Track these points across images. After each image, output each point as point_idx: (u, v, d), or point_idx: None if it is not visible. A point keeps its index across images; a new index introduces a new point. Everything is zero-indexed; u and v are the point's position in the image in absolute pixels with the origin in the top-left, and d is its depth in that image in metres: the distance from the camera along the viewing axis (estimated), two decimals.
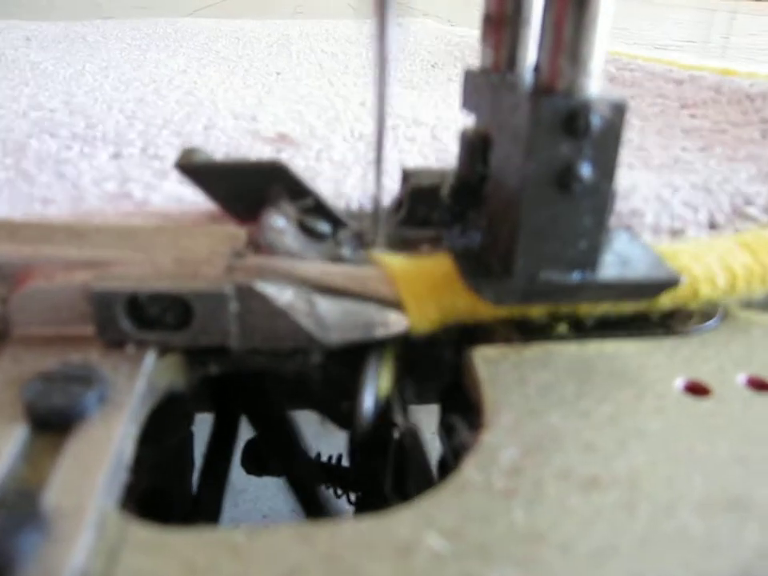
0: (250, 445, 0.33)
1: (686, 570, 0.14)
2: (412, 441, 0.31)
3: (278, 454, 0.29)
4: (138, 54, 0.66)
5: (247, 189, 0.22)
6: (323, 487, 0.32)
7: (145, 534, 0.15)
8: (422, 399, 0.24)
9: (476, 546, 0.15)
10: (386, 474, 0.27)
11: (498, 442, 0.17)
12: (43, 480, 0.16)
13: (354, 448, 0.28)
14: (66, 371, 0.18)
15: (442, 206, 0.22)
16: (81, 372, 0.18)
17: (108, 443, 0.16)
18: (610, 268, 0.20)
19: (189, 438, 0.29)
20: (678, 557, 0.14)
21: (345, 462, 0.33)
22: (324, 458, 0.33)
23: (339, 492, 0.32)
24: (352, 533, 0.15)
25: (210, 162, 0.22)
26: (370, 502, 0.29)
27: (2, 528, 0.14)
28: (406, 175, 0.23)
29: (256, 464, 0.33)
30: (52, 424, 0.17)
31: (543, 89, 0.18)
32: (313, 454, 0.33)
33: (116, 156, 0.31)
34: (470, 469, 0.16)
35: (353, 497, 0.32)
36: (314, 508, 0.31)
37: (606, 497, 0.16)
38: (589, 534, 0.15)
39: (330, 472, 0.32)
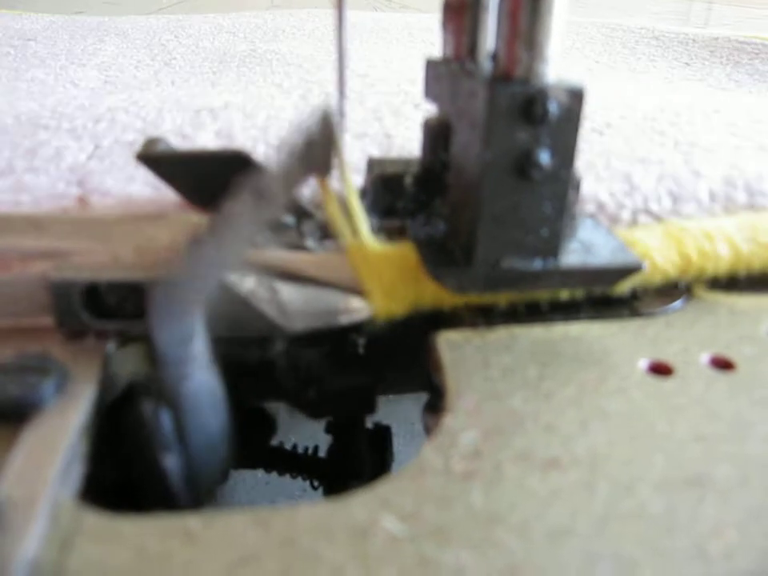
0: None
1: (644, 548, 0.14)
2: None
3: (253, 446, 0.29)
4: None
5: (209, 178, 0.22)
6: (300, 479, 0.32)
7: (98, 522, 0.15)
8: (410, 389, 0.24)
9: (433, 529, 0.15)
10: (365, 464, 0.27)
11: (459, 426, 0.17)
12: None
13: (334, 437, 0.29)
14: (22, 362, 0.18)
15: (406, 195, 0.22)
16: (37, 363, 0.18)
17: (63, 433, 0.16)
18: (572, 255, 0.20)
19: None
20: (636, 535, 0.14)
21: (321, 454, 0.33)
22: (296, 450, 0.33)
23: (316, 484, 0.32)
24: (308, 517, 0.15)
25: (171, 152, 0.22)
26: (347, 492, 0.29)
27: None
28: (371, 164, 0.23)
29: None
30: (7, 414, 0.17)
31: (500, 76, 0.18)
32: (288, 445, 0.33)
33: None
34: (429, 452, 0.16)
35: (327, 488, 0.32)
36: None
37: (566, 478, 0.16)
38: (547, 515, 0.15)
39: (307, 463, 0.32)
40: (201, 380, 0.18)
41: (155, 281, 0.19)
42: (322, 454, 0.33)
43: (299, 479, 0.33)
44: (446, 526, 0.15)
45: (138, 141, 0.29)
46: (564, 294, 0.21)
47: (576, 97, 0.18)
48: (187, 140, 0.29)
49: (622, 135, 0.31)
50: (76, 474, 0.16)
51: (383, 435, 0.31)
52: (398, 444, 0.33)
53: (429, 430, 0.18)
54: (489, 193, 0.19)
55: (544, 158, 0.19)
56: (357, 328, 0.21)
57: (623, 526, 0.15)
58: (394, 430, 0.32)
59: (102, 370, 0.18)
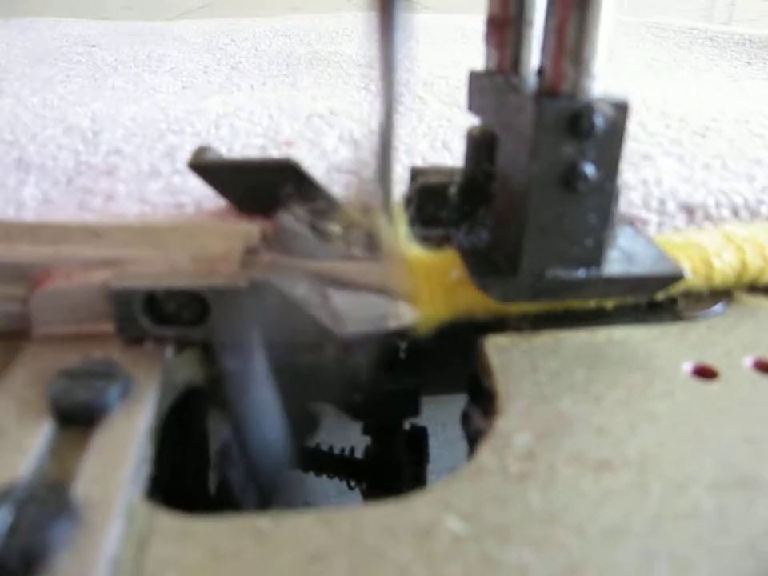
0: None
1: (698, 547, 0.15)
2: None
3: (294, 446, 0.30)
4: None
5: (258, 187, 0.22)
6: (337, 479, 0.33)
7: (171, 523, 0.15)
8: (448, 390, 0.24)
9: (493, 528, 0.15)
10: (405, 464, 0.28)
11: (512, 428, 0.18)
12: (71, 473, 0.16)
13: (373, 437, 0.29)
14: (89, 367, 0.18)
15: (450, 205, 0.23)
16: (103, 368, 0.18)
17: (132, 436, 0.17)
18: (614, 264, 0.21)
19: (204, 434, 0.29)
20: (689, 534, 0.15)
21: (357, 455, 0.33)
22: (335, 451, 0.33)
23: (353, 484, 0.32)
24: (373, 517, 0.15)
25: (222, 161, 0.22)
26: (386, 492, 0.30)
27: (34, 520, 0.14)
28: (415, 173, 0.24)
29: None
30: (76, 419, 0.17)
31: (547, 91, 0.19)
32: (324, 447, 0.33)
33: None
34: (485, 454, 0.17)
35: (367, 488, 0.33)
36: None
37: (618, 478, 0.16)
38: (602, 515, 0.15)
39: (343, 464, 0.32)
40: (260, 391, 0.19)
41: (216, 288, 0.19)
42: (357, 455, 0.34)
43: (327, 479, 0.34)
44: (505, 525, 0.15)
45: (267, 146, 0.31)
46: (607, 302, 0.22)
47: (621, 110, 0.19)
48: (315, 146, 0.31)
49: (724, 138, 0.31)
50: (143, 475, 0.17)
51: (420, 436, 0.31)
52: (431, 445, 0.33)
53: (480, 433, 0.18)
54: (535, 204, 0.19)
55: (589, 170, 0.19)
56: (400, 333, 0.22)
57: (677, 525, 0.15)
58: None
59: (162, 375, 0.19)
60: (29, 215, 0.25)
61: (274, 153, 0.30)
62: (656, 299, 0.23)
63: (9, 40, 0.68)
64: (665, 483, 0.16)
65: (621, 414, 0.18)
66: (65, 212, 0.25)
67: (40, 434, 0.17)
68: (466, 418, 0.21)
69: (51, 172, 0.28)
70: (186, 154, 0.29)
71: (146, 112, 0.37)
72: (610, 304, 0.22)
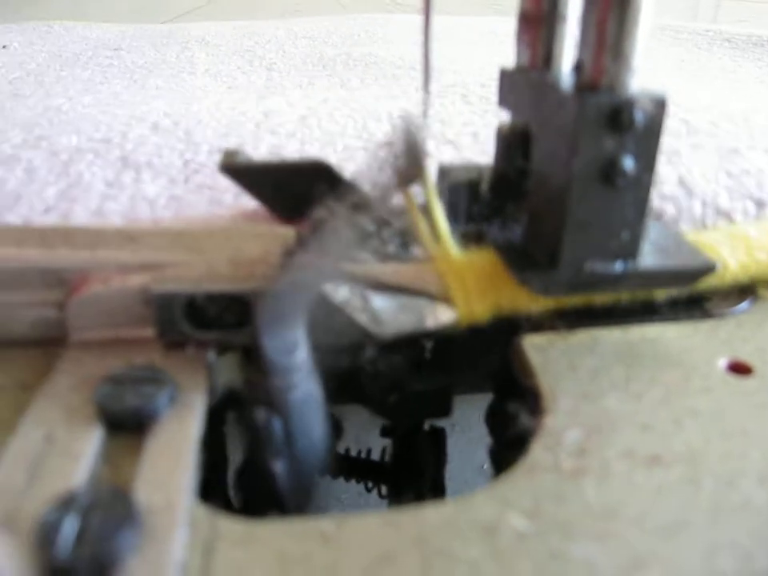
0: None
1: (756, 539, 0.15)
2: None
3: None
4: None
5: (290, 188, 0.22)
6: (353, 482, 0.33)
7: (235, 527, 0.15)
8: (475, 389, 0.24)
9: (555, 524, 0.15)
10: (427, 465, 0.28)
11: (561, 425, 0.18)
12: (127, 480, 0.16)
13: (395, 440, 0.29)
14: (134, 373, 0.18)
15: (481, 201, 0.23)
16: (149, 373, 0.18)
17: (186, 442, 0.17)
18: (649, 257, 0.21)
19: (222, 436, 0.29)
20: (746, 527, 0.15)
21: (374, 457, 0.33)
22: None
23: (370, 486, 0.32)
24: (436, 516, 0.15)
25: (254, 163, 0.22)
26: (405, 494, 0.30)
27: (101, 528, 0.14)
28: (443, 171, 0.24)
29: None
30: (126, 425, 0.17)
31: (586, 86, 0.19)
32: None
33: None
34: (538, 451, 0.17)
35: (384, 491, 0.33)
36: None
37: (670, 473, 0.17)
38: (659, 509, 0.16)
39: (364, 467, 0.32)
40: (306, 388, 0.19)
41: (256, 292, 0.19)
42: (374, 456, 0.34)
43: (341, 481, 0.34)
44: (567, 521, 0.15)
45: (362, 147, 0.31)
46: (641, 296, 0.22)
47: (660, 105, 0.19)
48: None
49: None
50: (196, 480, 0.17)
51: (438, 437, 0.31)
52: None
53: (528, 431, 0.18)
54: (574, 198, 0.19)
55: (628, 165, 0.19)
56: (429, 333, 0.22)
57: (732, 518, 0.15)
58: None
59: (207, 379, 0.19)
60: (165, 213, 0.24)
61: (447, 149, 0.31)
62: (685, 296, 0.23)
63: (30, 44, 0.68)
64: (715, 477, 0.16)
65: (663, 411, 0.19)
66: (196, 209, 0.25)
67: (90, 441, 0.17)
68: (503, 417, 0.21)
69: (163, 170, 0.28)
70: (292, 153, 0.29)
71: (216, 111, 0.37)
72: (643, 297, 0.22)
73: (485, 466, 0.42)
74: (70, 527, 0.14)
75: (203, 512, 0.15)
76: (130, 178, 0.27)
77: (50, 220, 0.24)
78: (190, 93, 0.46)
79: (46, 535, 0.14)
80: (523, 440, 0.18)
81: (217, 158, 0.29)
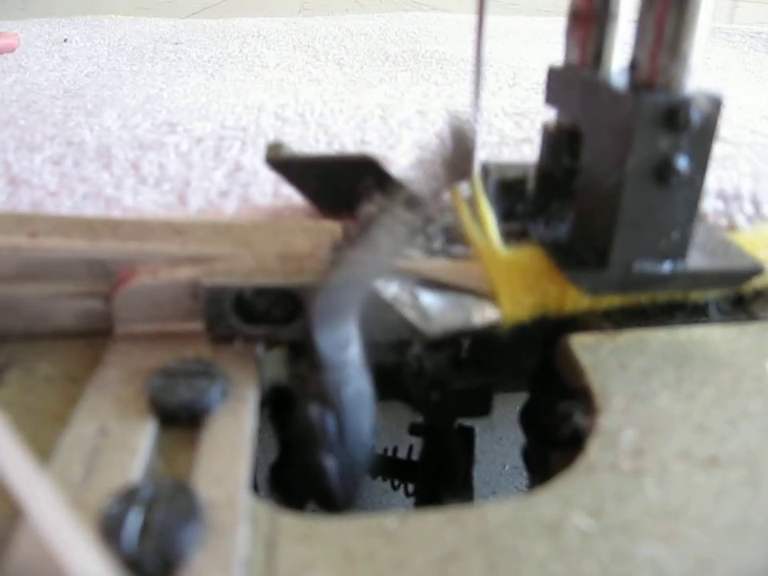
0: None
1: None
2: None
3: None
4: None
5: (336, 182, 0.22)
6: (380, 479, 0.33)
7: (297, 523, 0.15)
8: (513, 388, 0.24)
9: (618, 524, 0.15)
10: (458, 464, 0.28)
11: (615, 425, 0.18)
12: (185, 473, 0.16)
13: (426, 439, 0.29)
14: (186, 366, 0.18)
15: (526, 199, 0.23)
16: (200, 367, 0.18)
17: (242, 436, 0.17)
18: (696, 258, 0.21)
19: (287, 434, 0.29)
20: None
21: (400, 454, 0.33)
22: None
23: (396, 483, 0.32)
24: (499, 514, 0.15)
25: (300, 156, 0.22)
26: (432, 492, 0.30)
27: (165, 521, 0.14)
28: (487, 169, 0.24)
29: None
30: (179, 418, 0.17)
31: (643, 84, 0.19)
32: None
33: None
34: (595, 451, 0.17)
35: (410, 488, 0.33)
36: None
37: (729, 474, 0.16)
38: (721, 510, 0.16)
39: (387, 464, 0.32)
40: (357, 384, 0.18)
41: (305, 287, 0.19)
42: (401, 455, 0.34)
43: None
44: (629, 520, 0.15)
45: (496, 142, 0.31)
46: (688, 296, 0.22)
47: (716, 105, 0.19)
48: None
49: None
50: (251, 475, 0.17)
51: (468, 436, 0.31)
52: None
53: (583, 430, 0.18)
54: (627, 198, 0.19)
55: (682, 164, 0.19)
56: (475, 331, 0.22)
57: None
58: None
59: (258, 374, 0.19)
60: None
61: None
62: (730, 298, 0.23)
63: (88, 38, 0.68)
64: None
65: (716, 412, 0.18)
66: None
67: (145, 434, 0.17)
68: (551, 417, 0.21)
69: None
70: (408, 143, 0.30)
71: (326, 103, 0.38)
72: (693, 297, 0.22)
73: (506, 467, 0.41)
74: (134, 521, 0.14)
75: (263, 507, 0.15)
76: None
77: (230, 205, 0.24)
78: (277, 85, 0.47)
79: (110, 529, 0.14)
80: (573, 440, 0.18)
81: (362, 149, 0.30)
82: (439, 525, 0.15)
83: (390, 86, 0.47)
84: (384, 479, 0.32)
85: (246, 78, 0.49)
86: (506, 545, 0.15)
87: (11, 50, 0.60)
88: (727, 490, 0.16)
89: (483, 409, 0.24)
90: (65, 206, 0.25)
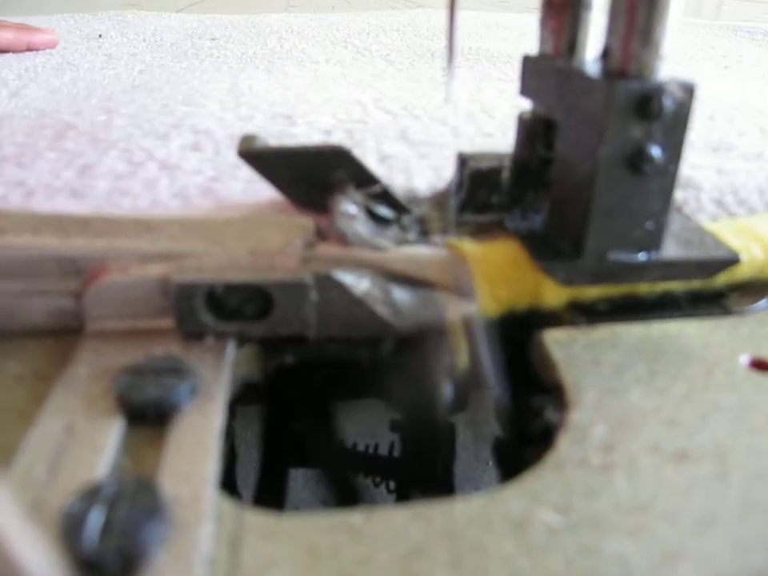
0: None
1: None
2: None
3: (319, 445, 0.29)
4: None
5: (309, 174, 0.22)
6: (361, 477, 0.32)
7: (261, 521, 0.15)
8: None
9: (586, 519, 0.15)
10: (437, 460, 0.28)
11: (586, 420, 0.18)
12: (150, 472, 0.16)
13: (405, 436, 0.29)
14: (155, 364, 0.18)
15: (502, 190, 0.23)
16: (169, 364, 0.18)
17: (209, 434, 0.17)
18: (672, 247, 0.21)
19: (231, 432, 0.29)
20: None
21: (381, 452, 0.33)
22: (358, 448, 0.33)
23: (377, 480, 0.32)
24: (466, 510, 0.15)
25: (273, 148, 0.22)
26: (413, 489, 0.30)
27: (128, 519, 0.14)
28: (463, 159, 0.23)
29: (295, 456, 0.33)
30: (147, 416, 0.17)
31: (615, 72, 0.19)
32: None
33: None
34: (565, 446, 0.17)
35: (392, 486, 0.33)
36: (350, 498, 0.31)
37: (698, 469, 0.16)
38: (690, 504, 0.15)
39: (368, 461, 0.32)
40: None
41: (280, 285, 0.19)
42: (382, 451, 0.34)
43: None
44: (597, 515, 0.15)
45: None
46: (661, 289, 0.22)
47: (688, 92, 0.18)
48: None
49: None
50: (218, 473, 0.17)
51: (449, 432, 0.31)
52: None
53: (554, 426, 0.18)
54: (601, 187, 0.19)
55: (656, 152, 0.19)
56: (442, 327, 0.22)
57: (763, 513, 0.15)
58: None
59: (228, 371, 0.19)
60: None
61: None
62: (704, 293, 0.23)
63: (122, 35, 0.68)
64: (744, 473, 0.16)
65: (688, 406, 0.18)
66: None
67: (112, 432, 0.17)
68: (524, 411, 0.21)
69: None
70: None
71: (415, 100, 0.38)
72: (663, 288, 0.22)
73: (490, 463, 0.41)
74: (95, 519, 0.14)
75: (229, 505, 0.15)
76: (439, 156, 0.29)
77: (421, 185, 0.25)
78: (343, 79, 0.47)
79: (71, 527, 0.14)
80: (545, 435, 0.18)
81: (483, 142, 0.30)
82: (405, 521, 0.15)
83: (459, 82, 0.47)
84: (365, 476, 0.32)
85: (303, 74, 0.49)
86: (471, 540, 0.14)
87: (52, 45, 0.61)
88: (696, 484, 0.16)
89: (460, 405, 0.24)
90: (236, 191, 0.25)
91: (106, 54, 0.58)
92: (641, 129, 0.19)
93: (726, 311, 0.23)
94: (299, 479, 0.48)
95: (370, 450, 0.34)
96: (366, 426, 0.36)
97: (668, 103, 0.18)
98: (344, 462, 0.33)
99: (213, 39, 0.65)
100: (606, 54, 0.19)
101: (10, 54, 0.57)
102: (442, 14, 0.87)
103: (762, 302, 0.23)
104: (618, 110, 0.18)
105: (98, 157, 0.28)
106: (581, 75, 0.19)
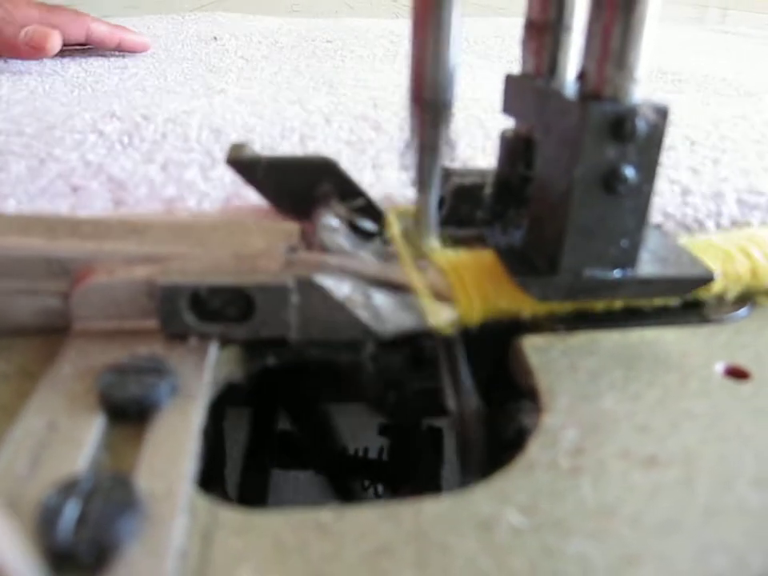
0: (281, 439, 0.33)
1: (748, 540, 0.15)
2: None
3: (311, 447, 0.30)
4: None
5: (296, 184, 0.23)
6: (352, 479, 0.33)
7: (234, 516, 0.15)
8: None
9: (551, 521, 0.15)
10: (424, 464, 0.28)
11: (558, 425, 0.18)
12: (128, 467, 0.16)
13: (393, 440, 0.29)
14: (137, 363, 0.18)
15: (484, 205, 0.23)
16: (151, 364, 0.18)
17: (187, 432, 0.17)
18: (647, 265, 0.21)
19: (221, 433, 0.29)
20: (739, 528, 0.15)
21: (372, 455, 0.34)
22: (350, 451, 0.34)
23: (367, 484, 0.32)
24: (434, 510, 0.16)
25: (261, 157, 0.22)
26: (400, 493, 0.30)
27: (102, 512, 0.14)
28: (447, 174, 0.24)
29: (288, 458, 0.33)
30: (128, 413, 0.17)
31: (591, 94, 0.19)
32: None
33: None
34: (535, 449, 0.17)
35: (380, 488, 0.33)
36: (344, 499, 0.31)
37: (666, 474, 0.17)
38: (654, 508, 0.16)
39: (359, 464, 0.32)
40: None
41: (259, 285, 0.20)
42: (371, 455, 0.34)
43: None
44: (562, 517, 0.15)
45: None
46: (640, 302, 0.22)
47: (662, 115, 0.19)
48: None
49: None
50: (196, 470, 0.17)
51: (436, 437, 0.31)
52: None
53: (525, 429, 0.19)
54: (576, 205, 0.20)
55: (630, 173, 0.20)
56: (427, 332, 0.22)
57: (726, 519, 0.16)
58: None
59: (209, 371, 0.19)
60: None
61: None
62: (685, 301, 0.23)
63: (231, 36, 0.72)
64: (710, 479, 0.17)
65: (660, 412, 0.19)
66: None
67: (93, 428, 0.17)
68: (500, 416, 0.21)
69: None
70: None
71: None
72: (641, 303, 0.22)
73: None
74: (71, 511, 0.14)
75: (203, 501, 0.16)
76: None
77: None
78: (384, 82, 0.51)
79: (47, 519, 0.14)
80: (518, 440, 0.19)
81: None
82: (374, 519, 0.15)
83: None
84: (354, 479, 0.33)
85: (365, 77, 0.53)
86: (437, 540, 0.15)
87: (144, 49, 0.62)
88: (662, 489, 0.16)
89: (442, 409, 0.24)
90: None
91: (242, 57, 0.62)
92: (615, 150, 0.19)
93: (705, 319, 0.23)
94: (291, 480, 0.48)
95: (360, 454, 0.34)
96: (359, 429, 0.37)
97: (641, 125, 0.19)
98: (338, 464, 0.33)
99: (328, 41, 0.70)
100: (582, 77, 0.20)
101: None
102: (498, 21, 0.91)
103: (742, 311, 0.24)
104: (592, 131, 0.19)
105: None
106: (558, 96, 0.20)
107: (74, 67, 0.55)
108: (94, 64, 0.57)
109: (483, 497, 0.16)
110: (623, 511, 0.16)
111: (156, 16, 0.85)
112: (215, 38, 0.69)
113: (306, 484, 0.43)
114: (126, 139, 0.33)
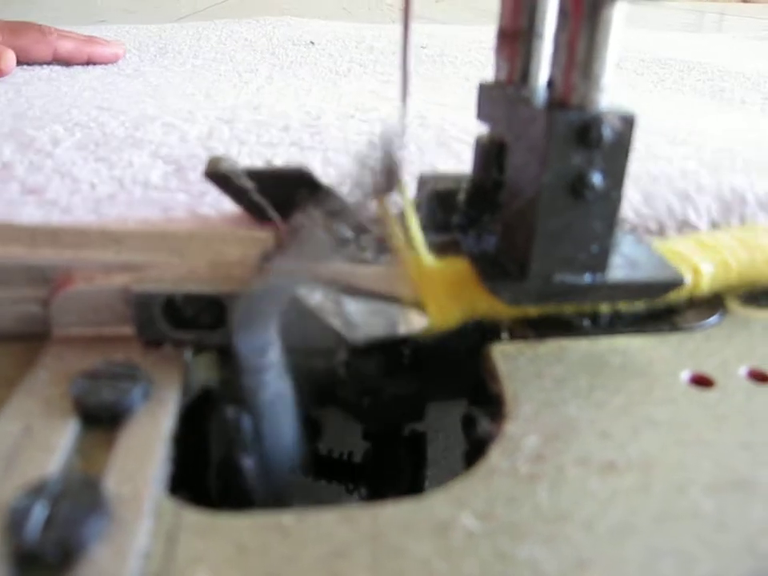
0: None
1: (700, 545, 0.15)
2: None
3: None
4: None
5: (273, 194, 0.23)
6: (335, 483, 0.33)
7: (198, 519, 0.16)
8: (453, 395, 0.25)
9: (506, 526, 0.16)
10: (404, 469, 0.29)
11: (521, 431, 0.18)
12: (99, 470, 0.17)
13: (374, 443, 0.30)
14: (112, 369, 0.19)
15: (458, 211, 0.24)
16: (125, 370, 0.19)
17: (157, 437, 0.17)
18: (618, 270, 0.22)
19: (203, 433, 0.30)
20: (691, 533, 0.16)
21: (355, 458, 0.34)
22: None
23: (351, 487, 0.33)
24: (392, 514, 0.16)
25: (237, 170, 0.23)
26: (382, 497, 0.31)
27: (69, 514, 0.15)
28: (423, 180, 0.24)
29: None
30: (101, 418, 0.18)
31: (557, 102, 0.20)
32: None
33: None
34: (496, 456, 0.18)
35: (364, 492, 0.33)
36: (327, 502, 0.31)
37: (623, 480, 0.17)
38: (609, 514, 0.16)
39: (341, 468, 0.33)
40: (276, 387, 0.19)
41: (233, 294, 0.20)
42: (355, 459, 0.34)
43: (322, 482, 0.34)
44: (517, 522, 0.16)
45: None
46: (609, 308, 0.23)
47: (628, 123, 0.19)
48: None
49: None
50: (166, 474, 0.17)
51: (419, 441, 0.32)
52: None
53: (487, 436, 0.19)
54: (544, 211, 0.20)
55: (597, 179, 0.20)
56: (405, 339, 0.23)
57: (679, 524, 0.16)
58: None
59: (182, 377, 0.20)
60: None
61: None
62: (655, 310, 0.23)
63: (328, 42, 0.74)
64: (666, 484, 0.17)
65: (623, 419, 0.19)
66: None
67: (66, 433, 0.17)
68: (470, 422, 0.22)
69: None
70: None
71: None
72: (610, 309, 0.23)
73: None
74: (39, 513, 0.15)
75: (169, 503, 0.16)
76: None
77: None
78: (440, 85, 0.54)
79: (15, 520, 0.15)
80: (479, 446, 0.19)
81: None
82: (333, 523, 0.16)
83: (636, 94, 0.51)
84: (338, 483, 0.33)
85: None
86: (393, 543, 0.15)
87: (115, 59, 0.61)
88: (618, 495, 0.17)
89: (416, 415, 0.25)
90: None
91: (349, 60, 0.65)
92: (581, 157, 0.19)
93: (675, 327, 0.23)
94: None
95: (345, 457, 0.34)
96: (344, 433, 0.37)
97: (607, 132, 0.19)
98: (318, 468, 0.34)
99: (310, 42, 0.71)
100: (550, 85, 0.20)
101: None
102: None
103: (713, 318, 0.24)
104: (558, 138, 0.19)
105: None
106: (527, 103, 0.20)
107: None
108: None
109: (441, 501, 0.16)
110: (578, 517, 0.16)
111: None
112: (311, 42, 0.72)
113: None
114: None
